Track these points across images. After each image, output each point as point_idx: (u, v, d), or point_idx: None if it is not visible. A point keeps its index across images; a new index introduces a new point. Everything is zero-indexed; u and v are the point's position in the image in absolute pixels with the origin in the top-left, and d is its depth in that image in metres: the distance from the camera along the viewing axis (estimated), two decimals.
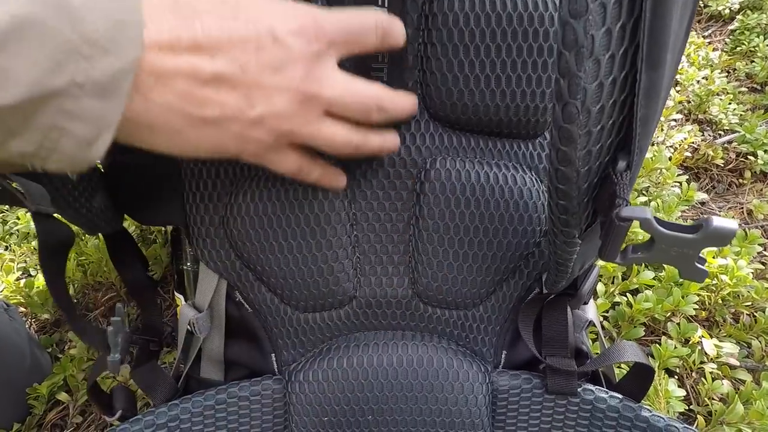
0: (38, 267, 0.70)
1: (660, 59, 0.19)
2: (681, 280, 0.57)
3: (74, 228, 0.38)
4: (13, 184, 0.33)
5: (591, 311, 0.40)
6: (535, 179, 0.37)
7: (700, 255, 0.21)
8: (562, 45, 0.18)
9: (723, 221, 0.20)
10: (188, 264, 0.45)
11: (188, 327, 0.40)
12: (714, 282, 0.58)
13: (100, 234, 0.61)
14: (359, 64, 0.35)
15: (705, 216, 0.20)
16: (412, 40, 0.35)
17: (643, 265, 0.60)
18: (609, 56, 0.18)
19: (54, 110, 0.20)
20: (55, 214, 0.36)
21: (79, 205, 0.36)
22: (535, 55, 0.34)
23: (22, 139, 0.20)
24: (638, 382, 0.38)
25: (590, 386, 0.39)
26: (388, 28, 0.29)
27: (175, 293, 0.47)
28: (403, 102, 0.30)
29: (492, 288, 0.38)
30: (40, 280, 0.65)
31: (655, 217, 0.20)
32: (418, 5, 0.34)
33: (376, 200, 0.37)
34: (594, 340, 0.53)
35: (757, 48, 1.10)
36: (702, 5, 1.28)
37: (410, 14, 0.34)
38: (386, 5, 0.33)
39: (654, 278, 0.57)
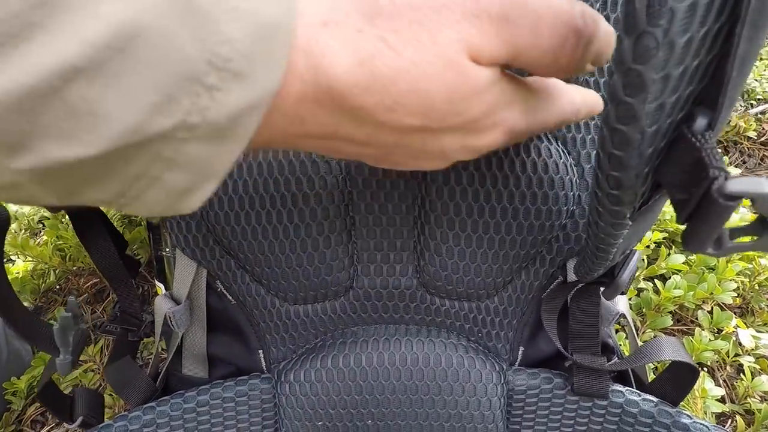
0: (19, 250, 0.66)
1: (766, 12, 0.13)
2: (714, 263, 0.52)
3: (43, 210, 0.34)
4: None
5: (622, 302, 0.35)
6: (562, 151, 0.31)
7: None
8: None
9: None
10: (167, 249, 0.40)
11: (165, 320, 0.36)
12: (750, 266, 0.53)
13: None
14: None
15: None
16: None
17: (673, 247, 0.55)
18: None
19: (149, 158, 0.14)
20: None
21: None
22: None
23: (96, 190, 0.14)
24: (677, 383, 0.34)
25: (619, 387, 0.34)
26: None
27: (156, 281, 0.42)
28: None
29: (509, 277, 0.33)
30: (18, 266, 0.61)
31: None
32: None
33: (375, 176, 0.32)
34: (617, 330, 0.49)
35: None
36: None
37: None
38: None
39: (684, 262, 0.52)
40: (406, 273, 0.34)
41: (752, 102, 0.88)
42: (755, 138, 0.81)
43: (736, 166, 0.81)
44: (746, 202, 0.15)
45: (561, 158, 0.31)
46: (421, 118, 0.17)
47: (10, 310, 0.35)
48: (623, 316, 0.34)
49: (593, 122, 0.32)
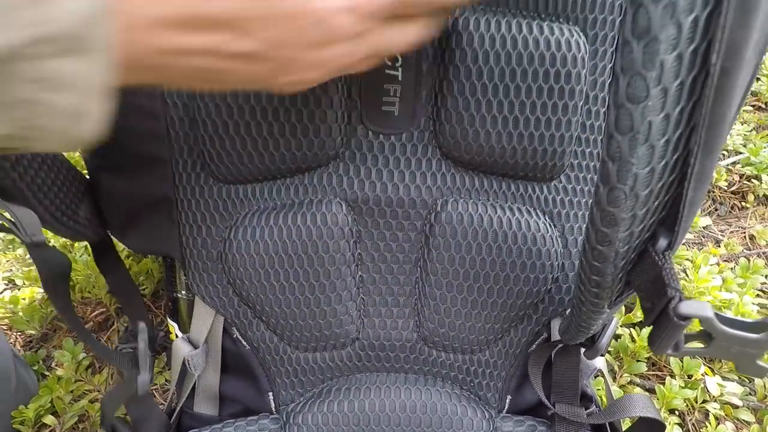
0: (23, 276, 0.67)
1: (716, 145, 0.17)
2: None
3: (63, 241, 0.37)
4: (4, 213, 0.31)
5: (600, 361, 0.39)
6: (549, 224, 0.35)
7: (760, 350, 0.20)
8: (615, 128, 0.16)
9: None
10: (183, 292, 0.43)
11: (183, 363, 0.38)
12: None
13: (88, 248, 0.59)
14: (369, 92, 0.33)
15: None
16: (428, 72, 0.33)
17: None
18: (664, 141, 0.17)
19: (16, 81, 0.16)
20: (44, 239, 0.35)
21: (66, 218, 0.36)
22: (556, 97, 0.32)
23: None
24: None
25: None
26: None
27: (169, 320, 0.45)
28: None
29: (500, 334, 0.37)
30: (25, 293, 0.63)
31: (716, 314, 0.19)
32: (437, 41, 0.32)
33: (382, 240, 0.35)
34: (596, 376, 0.52)
35: (762, 66, 1.09)
36: None
37: (426, 48, 0.32)
38: None
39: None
40: (408, 327, 0.37)
41: (723, 153, 0.94)
42: (726, 187, 0.87)
43: (708, 214, 0.87)
44: (696, 321, 0.19)
45: (548, 231, 0.35)
46: None
47: (94, 341, 0.39)
48: (600, 370, 0.38)
49: (576, 199, 0.36)
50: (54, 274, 0.35)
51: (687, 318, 0.18)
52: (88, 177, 0.39)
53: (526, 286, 0.35)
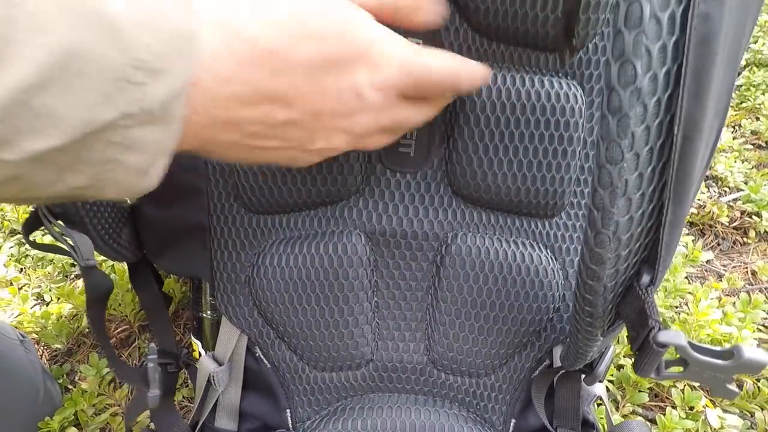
0: (51, 292, 0.71)
1: (685, 196, 0.21)
2: None
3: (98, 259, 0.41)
4: (66, 239, 0.35)
5: (600, 386, 0.41)
6: (551, 257, 0.38)
7: (732, 377, 0.23)
8: (598, 183, 0.20)
9: (754, 353, 0.21)
10: (207, 312, 0.46)
11: (208, 379, 0.41)
12: None
13: (115, 267, 0.63)
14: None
15: (737, 345, 0.21)
16: (440, 120, 0.37)
17: None
18: (639, 194, 0.20)
19: (104, 144, 0.19)
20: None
21: (111, 241, 0.40)
22: (556, 143, 0.35)
23: (74, 174, 0.19)
24: None
25: None
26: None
27: (193, 339, 0.48)
28: (481, 81, 0.29)
29: (504, 359, 0.39)
30: (54, 309, 0.66)
31: (689, 343, 0.21)
32: None
33: (397, 269, 0.39)
34: (599, 404, 0.54)
35: (762, 105, 1.12)
36: None
37: None
38: None
39: None
40: (418, 350, 0.40)
41: (725, 189, 0.97)
42: (727, 223, 0.89)
43: (711, 248, 0.89)
44: (673, 349, 0.21)
45: (550, 264, 0.38)
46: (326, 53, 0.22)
47: (115, 359, 0.42)
48: (600, 397, 0.40)
49: (576, 235, 0.39)
50: (99, 294, 0.39)
51: (664, 345, 0.21)
52: (129, 203, 0.43)
53: (530, 314, 0.38)
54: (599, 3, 0.31)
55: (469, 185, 0.37)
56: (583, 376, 0.38)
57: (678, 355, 0.22)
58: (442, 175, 0.37)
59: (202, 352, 0.45)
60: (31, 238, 0.38)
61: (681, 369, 0.22)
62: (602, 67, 0.36)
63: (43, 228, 0.37)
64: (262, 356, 0.41)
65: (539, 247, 0.38)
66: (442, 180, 0.37)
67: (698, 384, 0.56)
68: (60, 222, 0.36)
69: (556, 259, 0.38)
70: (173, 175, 0.39)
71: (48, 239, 0.70)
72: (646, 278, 0.23)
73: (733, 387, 0.22)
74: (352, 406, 0.40)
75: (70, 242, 0.35)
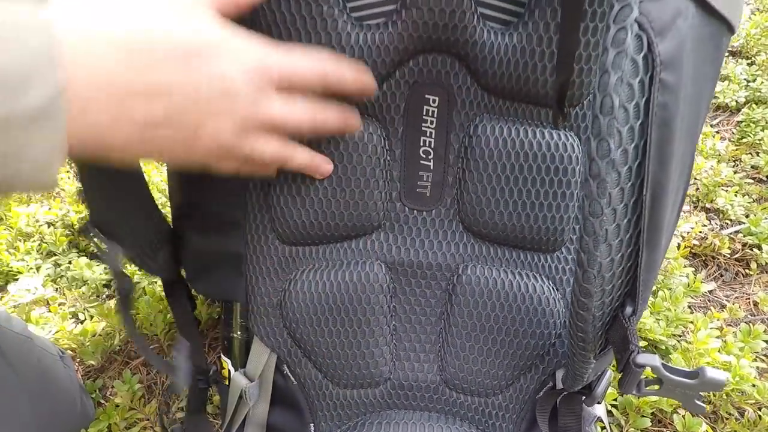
0: (86, 311, 0.76)
1: (657, 242, 0.25)
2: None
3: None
4: (102, 246, 0.40)
5: (600, 408, 0.44)
6: (552, 288, 0.42)
7: (700, 394, 0.27)
8: (583, 231, 0.24)
9: (714, 373, 0.25)
10: (238, 333, 0.50)
11: (240, 394, 0.45)
12: None
13: (146, 289, 0.68)
14: (408, 177, 0.42)
15: (702, 366, 0.25)
16: (453, 164, 0.42)
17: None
18: (618, 240, 0.24)
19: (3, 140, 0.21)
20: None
21: (146, 258, 0.44)
22: (555, 186, 0.40)
23: None
24: None
25: None
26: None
27: (223, 357, 0.52)
28: (351, 78, 0.33)
29: (511, 381, 0.43)
30: (89, 327, 0.71)
31: (663, 364, 0.26)
32: (460, 138, 0.41)
33: (413, 296, 0.43)
34: (603, 427, 0.57)
35: (761, 141, 1.16)
36: None
37: (452, 144, 0.41)
38: (434, 138, 0.41)
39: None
40: (432, 371, 0.44)
41: (727, 221, 1.00)
42: (729, 255, 0.92)
43: (714, 279, 0.92)
44: (649, 370, 0.25)
45: (551, 294, 0.42)
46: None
47: (145, 347, 0.47)
48: (600, 419, 0.43)
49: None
50: (125, 294, 0.43)
51: (642, 366, 0.25)
52: (172, 226, 0.48)
53: (533, 339, 0.42)
54: (591, 70, 0.36)
55: (478, 222, 0.42)
56: (584, 397, 0.42)
57: (655, 375, 0.26)
58: (454, 212, 0.42)
59: (232, 370, 0.49)
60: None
61: (657, 387, 0.26)
62: None
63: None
64: (289, 373, 0.45)
65: (542, 279, 0.42)
66: (454, 217, 0.42)
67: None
68: (96, 230, 0.40)
69: (557, 290, 0.43)
70: (217, 210, 0.44)
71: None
72: (628, 309, 0.28)
73: (700, 403, 0.26)
74: (371, 422, 0.44)
75: (105, 248, 0.40)
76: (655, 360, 0.25)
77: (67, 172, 1.02)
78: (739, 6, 0.24)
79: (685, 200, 0.27)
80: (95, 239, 0.41)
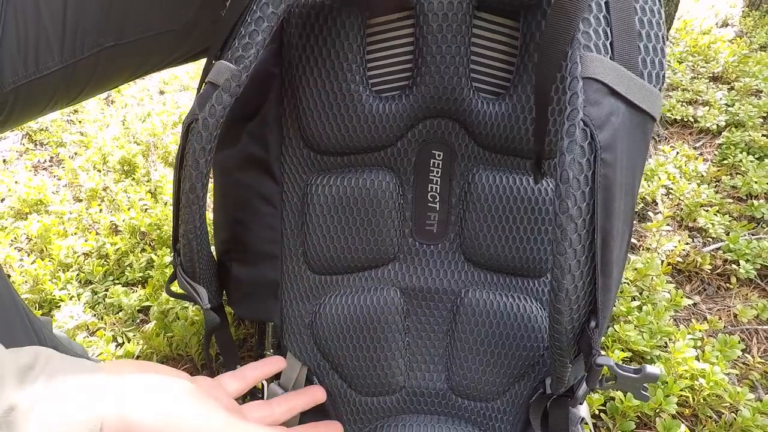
0: (124, 335, 0.84)
1: (609, 272, 0.33)
2: (666, 379, 0.68)
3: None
4: (194, 289, 0.47)
5: (583, 410, 0.52)
6: (540, 307, 0.50)
7: (644, 386, 0.35)
8: (553, 265, 0.33)
9: (652, 369, 0.33)
10: (270, 351, 0.58)
11: None
12: (697, 382, 0.69)
13: (179, 314, 0.76)
14: (418, 217, 0.50)
15: (643, 365, 0.34)
16: (455, 206, 0.50)
17: (633, 363, 0.72)
18: (579, 272, 0.33)
19: None
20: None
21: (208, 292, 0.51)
22: (540, 224, 0.49)
23: None
24: None
25: None
26: None
27: None
28: None
29: (507, 387, 0.51)
30: (129, 348, 0.79)
31: (615, 364, 0.34)
32: (461, 185, 0.50)
33: (424, 316, 0.51)
34: (588, 427, 0.64)
35: (741, 163, 1.25)
36: (693, 120, 1.46)
37: (454, 190, 0.50)
38: (439, 185, 0.50)
39: None
40: (440, 379, 0.52)
41: (708, 239, 1.08)
42: (711, 270, 1.00)
43: (698, 293, 1.00)
44: (606, 368, 0.33)
45: (539, 313, 0.50)
46: None
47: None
48: (583, 419, 0.51)
49: None
50: (212, 328, 0.51)
51: (600, 365, 0.33)
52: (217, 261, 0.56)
53: (525, 351, 0.50)
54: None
55: (476, 253, 0.50)
56: (569, 399, 0.49)
57: (611, 373, 0.34)
58: (456, 246, 0.51)
59: (265, 383, 0.57)
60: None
61: (613, 382, 0.34)
62: None
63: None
64: (317, 383, 0.53)
65: (531, 300, 0.50)
66: (456, 249, 0.51)
67: (674, 412, 0.66)
68: (187, 277, 0.48)
69: (543, 309, 0.51)
70: (257, 245, 0.53)
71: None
72: (592, 323, 0.36)
73: (644, 393, 0.34)
74: (388, 425, 0.52)
75: (196, 291, 0.47)
76: (610, 361, 0.33)
77: (100, 206, 1.12)
78: (657, 102, 0.33)
79: (631, 240, 0.36)
80: (187, 283, 0.47)
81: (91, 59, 0.47)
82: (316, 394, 0.47)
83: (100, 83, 0.53)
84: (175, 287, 0.50)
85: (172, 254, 0.47)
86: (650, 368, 0.33)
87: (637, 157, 0.33)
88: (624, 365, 0.34)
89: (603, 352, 0.35)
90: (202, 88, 0.37)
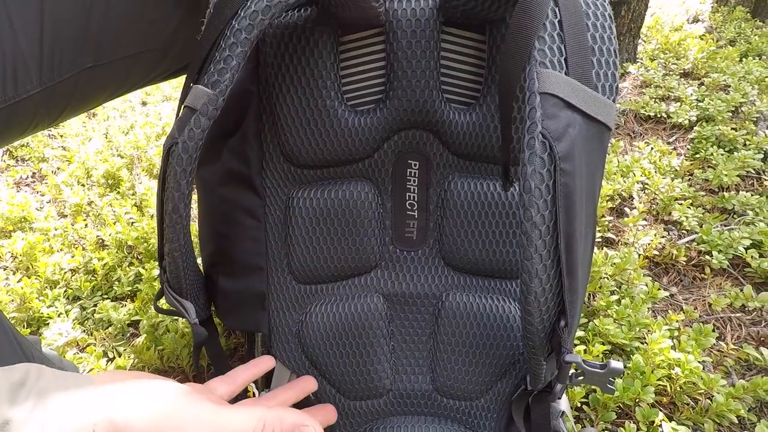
0: (114, 350, 0.84)
1: (575, 273, 0.35)
2: (644, 370, 0.71)
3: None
4: (181, 304, 0.48)
5: (563, 404, 0.54)
6: (517, 308, 0.53)
7: (610, 379, 0.37)
8: (521, 270, 0.35)
9: (615, 364, 0.35)
10: None
11: None
12: (674, 371, 0.72)
13: (168, 326, 0.77)
14: (398, 225, 0.52)
15: (609, 360, 0.36)
16: (433, 213, 0.52)
17: (613, 355, 0.75)
18: (546, 275, 0.35)
19: None
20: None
21: (195, 304, 0.52)
22: (514, 227, 0.51)
23: None
24: None
25: None
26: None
27: None
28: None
29: (490, 385, 0.53)
30: (120, 362, 0.79)
31: (583, 360, 0.36)
32: (437, 192, 0.52)
33: (407, 321, 0.53)
34: (568, 420, 0.66)
35: (712, 156, 1.29)
36: (666, 116, 1.51)
37: (431, 197, 0.52)
38: (416, 193, 0.51)
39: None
40: (426, 381, 0.54)
41: (684, 232, 1.12)
42: (686, 262, 1.04)
43: (675, 284, 1.03)
44: (574, 365, 0.35)
45: (517, 313, 0.52)
46: None
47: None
48: (564, 413, 0.53)
49: None
50: (200, 341, 0.52)
51: (569, 362, 0.35)
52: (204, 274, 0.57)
53: (505, 350, 0.52)
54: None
55: (455, 257, 0.52)
56: (548, 395, 0.52)
57: (579, 369, 0.36)
58: (436, 251, 0.53)
59: (256, 392, 0.58)
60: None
61: (582, 377, 0.36)
62: None
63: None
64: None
65: (508, 301, 0.53)
66: (436, 255, 0.53)
67: (653, 401, 0.69)
68: (174, 293, 0.49)
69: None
70: (242, 257, 0.54)
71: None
72: (562, 322, 0.38)
73: (611, 386, 0.36)
74: (377, 427, 0.53)
75: (184, 306, 0.48)
76: (578, 358, 0.35)
77: (86, 221, 1.11)
78: (611, 112, 0.35)
79: (595, 242, 0.38)
80: (174, 299, 0.48)
81: (71, 81, 0.48)
82: (307, 384, 0.47)
83: (81, 104, 0.54)
84: (163, 303, 0.51)
85: (159, 271, 0.48)
86: (614, 363, 0.36)
87: (595, 164, 0.36)
88: (590, 361, 0.36)
89: (584, 347, 0.37)
90: (181, 112, 0.38)
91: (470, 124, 0.48)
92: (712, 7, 2.42)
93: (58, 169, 1.34)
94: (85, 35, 0.47)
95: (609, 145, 1.27)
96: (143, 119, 1.52)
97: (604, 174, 0.37)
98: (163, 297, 0.50)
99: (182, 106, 0.39)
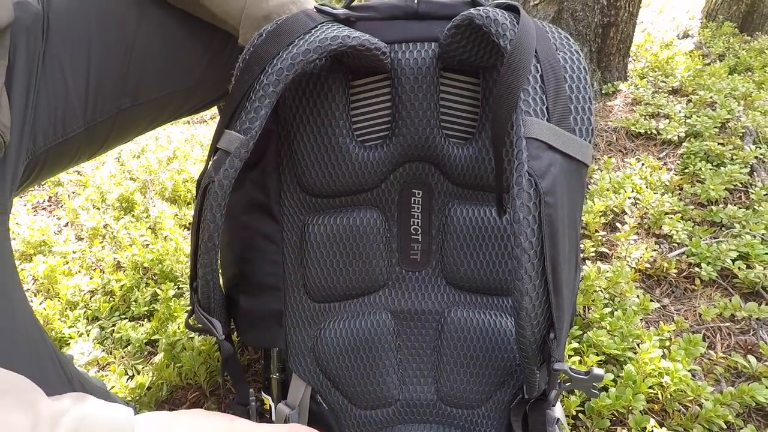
0: (133, 368, 0.89)
1: (561, 292, 0.41)
2: (636, 379, 0.76)
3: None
4: (210, 322, 0.53)
5: (558, 412, 0.58)
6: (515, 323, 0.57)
7: (594, 384, 0.42)
8: (514, 289, 0.40)
9: (597, 371, 0.40)
10: (276, 374, 0.64)
11: (284, 420, 0.59)
12: (664, 380, 0.77)
13: (185, 345, 0.81)
14: (403, 248, 0.57)
15: (591, 367, 0.41)
16: (435, 237, 0.57)
17: (605, 370, 0.79)
18: (535, 293, 0.40)
19: None
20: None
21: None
22: (510, 249, 0.56)
23: None
24: None
25: None
26: None
27: (264, 394, 0.66)
28: None
29: (490, 394, 0.57)
30: (140, 380, 0.84)
31: (569, 368, 0.41)
32: (439, 218, 0.57)
33: (413, 335, 0.58)
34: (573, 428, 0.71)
35: (701, 171, 1.34)
36: (656, 132, 1.56)
37: (434, 223, 0.57)
38: (420, 219, 0.57)
39: (613, 380, 0.76)
40: (431, 391, 0.58)
41: (674, 245, 1.17)
42: (677, 274, 1.08)
43: (666, 296, 1.08)
44: (562, 373, 0.40)
45: (514, 327, 0.57)
46: None
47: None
48: (559, 420, 0.58)
49: None
50: (227, 356, 0.56)
51: (558, 370, 0.40)
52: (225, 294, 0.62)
53: (503, 362, 0.56)
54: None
55: (456, 277, 0.57)
56: (544, 402, 0.56)
57: (566, 377, 0.41)
58: (438, 271, 0.58)
59: (272, 404, 0.63)
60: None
61: (569, 383, 0.41)
62: None
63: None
64: (321, 401, 0.59)
65: (506, 315, 0.57)
66: (438, 274, 0.58)
67: (643, 408, 0.73)
68: (204, 312, 0.54)
69: None
70: (261, 279, 0.59)
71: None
72: (552, 335, 0.43)
73: (595, 391, 0.41)
74: None
75: (212, 324, 0.53)
76: (564, 366, 0.40)
77: (102, 244, 1.17)
78: (588, 152, 0.40)
79: (580, 264, 0.43)
80: (204, 317, 0.52)
81: (110, 120, 0.54)
82: None
83: (118, 139, 0.60)
84: (192, 320, 0.56)
85: (190, 293, 0.53)
86: (596, 370, 0.41)
87: (575, 196, 0.41)
88: (576, 369, 0.41)
89: (579, 358, 0.42)
90: (216, 154, 0.44)
91: (467, 157, 0.53)
92: (701, 22, 2.50)
93: (74, 193, 1.40)
94: (124, 81, 0.53)
95: (601, 162, 1.33)
96: (153, 144, 1.58)
97: (584, 204, 0.43)
98: (193, 315, 0.54)
99: (216, 148, 0.45)
